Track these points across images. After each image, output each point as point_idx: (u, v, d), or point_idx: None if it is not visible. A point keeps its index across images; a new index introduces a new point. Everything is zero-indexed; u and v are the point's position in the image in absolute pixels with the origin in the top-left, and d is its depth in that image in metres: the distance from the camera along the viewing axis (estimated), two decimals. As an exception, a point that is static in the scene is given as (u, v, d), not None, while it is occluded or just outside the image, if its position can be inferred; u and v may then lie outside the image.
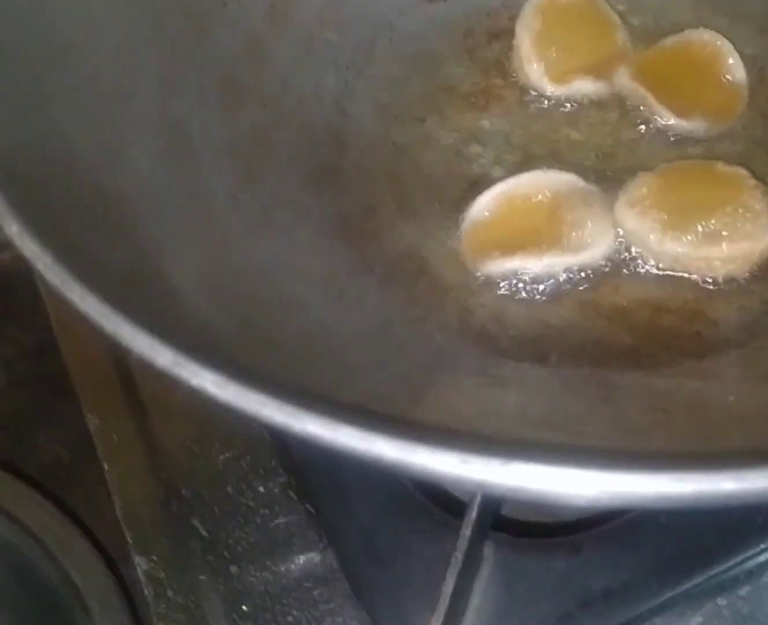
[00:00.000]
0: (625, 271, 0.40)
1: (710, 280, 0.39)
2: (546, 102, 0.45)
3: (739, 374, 0.36)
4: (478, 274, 0.40)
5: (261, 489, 0.41)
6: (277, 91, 0.44)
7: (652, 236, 0.40)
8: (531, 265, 0.39)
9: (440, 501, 0.40)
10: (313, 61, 0.46)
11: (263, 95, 0.44)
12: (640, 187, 0.41)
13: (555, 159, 0.43)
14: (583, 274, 0.40)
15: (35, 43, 0.34)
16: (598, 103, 0.45)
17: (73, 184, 0.32)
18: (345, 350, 0.35)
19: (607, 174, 0.43)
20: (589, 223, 0.40)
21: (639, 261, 0.40)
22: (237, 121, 0.42)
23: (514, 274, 0.39)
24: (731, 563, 0.38)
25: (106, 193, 0.34)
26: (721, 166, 0.41)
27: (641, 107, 0.45)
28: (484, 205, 0.41)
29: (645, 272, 0.40)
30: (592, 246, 0.40)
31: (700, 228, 0.39)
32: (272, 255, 0.38)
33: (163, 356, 0.24)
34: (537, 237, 0.40)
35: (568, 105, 0.45)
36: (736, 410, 0.34)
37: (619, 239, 0.40)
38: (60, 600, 0.52)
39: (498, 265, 0.39)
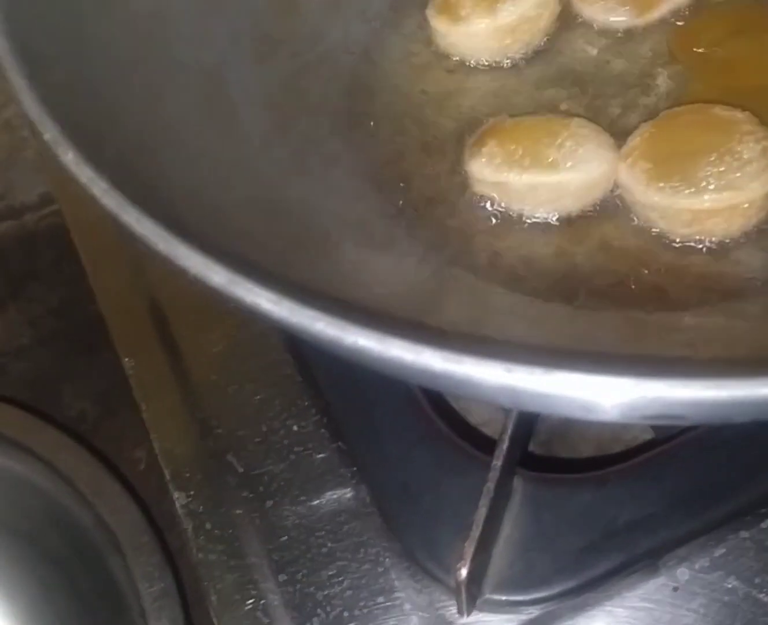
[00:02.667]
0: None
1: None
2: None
3: (763, 312, 0.37)
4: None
5: (294, 428, 0.43)
6: (306, 41, 0.46)
7: (637, 188, 0.39)
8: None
9: (469, 438, 0.41)
10: (341, 13, 0.47)
11: (293, 46, 0.45)
12: (635, 137, 0.41)
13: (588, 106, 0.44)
14: (600, 209, 0.40)
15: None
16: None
17: (117, 124, 0.34)
18: (375, 290, 0.36)
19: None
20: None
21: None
22: (268, 70, 0.43)
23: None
24: (753, 496, 0.39)
25: (146, 134, 0.35)
26: (718, 110, 0.40)
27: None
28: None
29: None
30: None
31: (680, 178, 0.38)
32: (304, 197, 0.39)
33: (218, 275, 0.25)
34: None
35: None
36: (761, 344, 0.35)
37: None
38: (94, 542, 0.54)
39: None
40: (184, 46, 0.40)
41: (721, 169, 0.38)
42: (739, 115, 0.40)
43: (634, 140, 0.41)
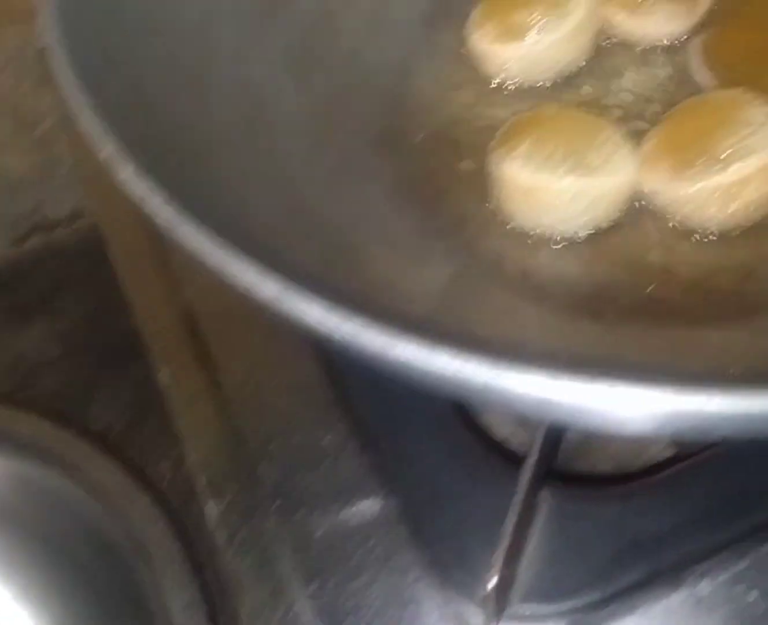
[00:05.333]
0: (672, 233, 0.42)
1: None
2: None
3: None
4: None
5: (325, 440, 0.43)
6: (345, 61, 0.47)
7: (667, 186, 0.40)
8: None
9: (499, 452, 0.42)
10: (379, 32, 0.48)
11: (332, 65, 0.46)
12: (648, 141, 0.42)
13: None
14: (627, 221, 0.41)
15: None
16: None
17: (166, 141, 0.35)
18: (408, 306, 0.37)
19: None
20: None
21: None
22: (307, 89, 0.44)
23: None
24: (775, 512, 0.40)
25: (195, 151, 0.36)
26: (715, 93, 0.43)
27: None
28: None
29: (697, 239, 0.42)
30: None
31: (703, 161, 0.39)
32: (341, 214, 0.40)
33: (269, 289, 0.26)
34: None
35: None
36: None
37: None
38: (123, 553, 0.54)
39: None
40: (228, 65, 0.41)
41: (738, 139, 0.39)
42: (735, 91, 0.41)
43: (648, 144, 0.42)
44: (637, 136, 0.43)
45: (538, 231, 0.41)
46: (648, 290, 0.40)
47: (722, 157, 0.39)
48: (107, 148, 0.29)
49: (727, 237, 0.41)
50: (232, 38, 0.42)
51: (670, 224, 0.41)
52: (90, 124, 0.30)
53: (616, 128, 0.43)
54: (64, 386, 0.75)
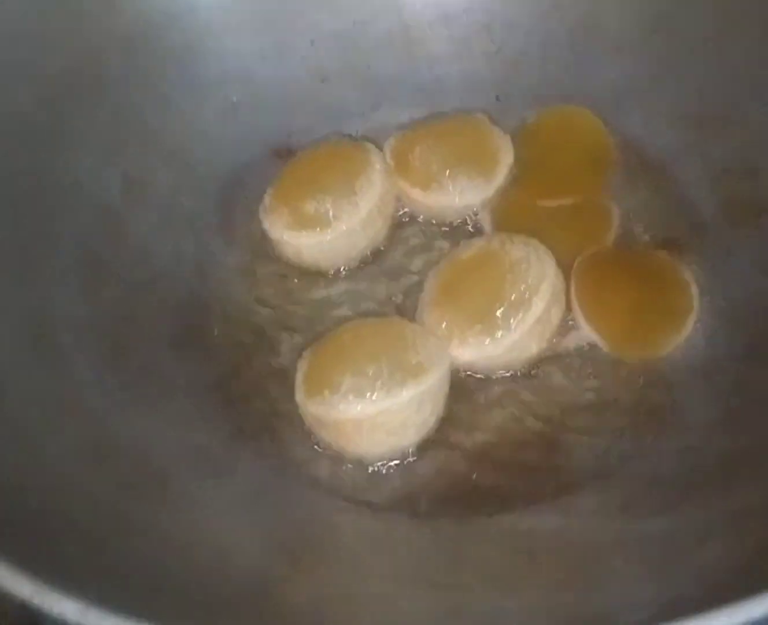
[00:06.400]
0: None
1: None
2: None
3: (596, 507, 0.38)
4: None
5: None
6: (136, 261, 0.45)
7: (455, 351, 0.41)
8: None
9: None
10: (170, 229, 0.47)
11: (123, 267, 0.44)
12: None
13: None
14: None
15: None
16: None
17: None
18: (218, 524, 0.35)
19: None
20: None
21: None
22: (97, 297, 0.42)
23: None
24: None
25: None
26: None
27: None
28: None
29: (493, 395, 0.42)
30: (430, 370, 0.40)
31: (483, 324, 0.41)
32: (139, 432, 0.38)
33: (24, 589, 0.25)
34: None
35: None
36: (595, 542, 0.36)
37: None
38: None
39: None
40: (7, 288, 0.39)
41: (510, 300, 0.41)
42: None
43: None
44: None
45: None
46: (461, 474, 0.40)
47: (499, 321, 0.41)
48: None
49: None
50: (9, 259, 0.40)
51: (481, 400, 0.42)
52: None
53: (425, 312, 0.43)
54: None
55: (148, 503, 0.35)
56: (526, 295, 0.41)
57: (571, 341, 0.43)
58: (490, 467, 0.40)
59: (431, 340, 0.41)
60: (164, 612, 0.26)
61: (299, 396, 0.40)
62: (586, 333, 0.43)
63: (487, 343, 0.41)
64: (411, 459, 0.40)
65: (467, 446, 0.41)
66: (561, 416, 0.41)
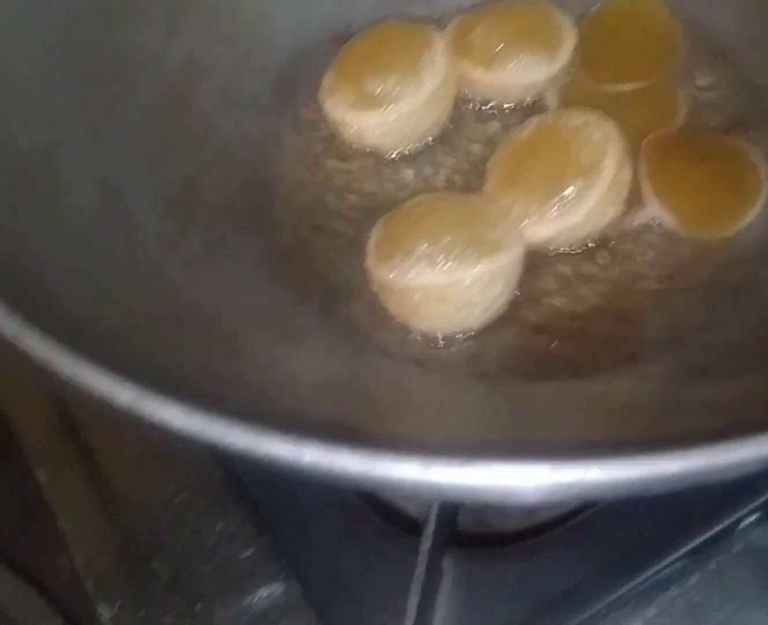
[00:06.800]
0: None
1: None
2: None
3: (669, 373, 0.37)
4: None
5: (219, 526, 0.42)
6: (200, 138, 0.45)
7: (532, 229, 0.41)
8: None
9: (398, 522, 0.41)
10: (233, 107, 0.47)
11: (187, 144, 0.44)
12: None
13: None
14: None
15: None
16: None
17: (12, 247, 0.33)
18: (293, 384, 0.35)
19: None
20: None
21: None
22: (163, 172, 0.43)
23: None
24: (679, 554, 0.39)
25: (46, 253, 0.34)
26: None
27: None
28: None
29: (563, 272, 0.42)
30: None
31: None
32: (209, 297, 0.39)
33: (124, 394, 0.25)
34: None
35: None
36: (670, 403, 0.35)
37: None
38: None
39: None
40: (72, 159, 0.39)
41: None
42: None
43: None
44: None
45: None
46: (531, 344, 0.39)
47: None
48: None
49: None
50: (77, 128, 0.40)
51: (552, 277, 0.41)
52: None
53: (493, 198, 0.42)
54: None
55: (221, 358, 0.35)
56: (595, 159, 0.41)
57: (640, 219, 0.43)
58: (562, 337, 0.39)
59: (508, 220, 0.41)
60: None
61: (369, 261, 0.40)
62: (655, 210, 0.43)
63: (564, 214, 0.40)
64: (480, 332, 0.40)
65: (537, 320, 0.40)
66: (633, 290, 0.41)
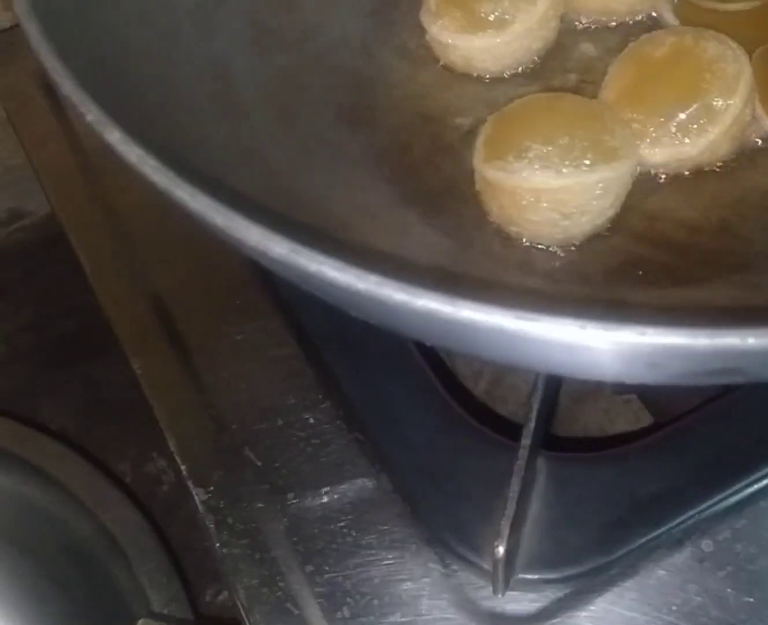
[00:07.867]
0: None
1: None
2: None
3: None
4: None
5: (311, 420, 0.42)
6: (306, 36, 0.46)
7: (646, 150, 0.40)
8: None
9: (488, 421, 0.41)
10: (338, 8, 0.47)
11: (293, 40, 0.45)
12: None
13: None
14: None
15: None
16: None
17: (138, 111, 0.33)
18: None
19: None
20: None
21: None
22: (270, 64, 0.44)
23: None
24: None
25: (165, 123, 0.35)
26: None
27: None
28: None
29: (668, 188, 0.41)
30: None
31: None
32: (314, 188, 0.39)
33: (279, 246, 0.25)
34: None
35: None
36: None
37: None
38: (95, 551, 0.53)
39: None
40: (190, 37, 0.40)
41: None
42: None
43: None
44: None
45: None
46: (634, 253, 0.39)
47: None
48: (93, 113, 0.28)
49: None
50: (192, 10, 0.40)
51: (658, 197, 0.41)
52: (73, 90, 0.28)
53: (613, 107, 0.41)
54: (12, 387, 0.73)
55: (330, 243, 0.35)
56: (724, 94, 0.40)
57: (752, 134, 0.42)
58: (665, 249, 0.39)
59: (628, 130, 0.40)
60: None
61: (477, 160, 0.40)
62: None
63: (681, 145, 0.40)
64: (584, 242, 0.40)
65: (642, 232, 0.40)
66: (738, 206, 0.40)
